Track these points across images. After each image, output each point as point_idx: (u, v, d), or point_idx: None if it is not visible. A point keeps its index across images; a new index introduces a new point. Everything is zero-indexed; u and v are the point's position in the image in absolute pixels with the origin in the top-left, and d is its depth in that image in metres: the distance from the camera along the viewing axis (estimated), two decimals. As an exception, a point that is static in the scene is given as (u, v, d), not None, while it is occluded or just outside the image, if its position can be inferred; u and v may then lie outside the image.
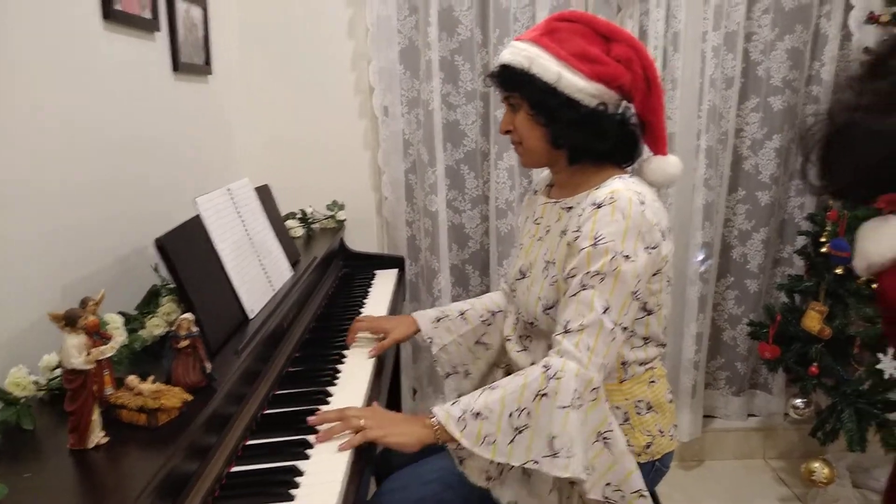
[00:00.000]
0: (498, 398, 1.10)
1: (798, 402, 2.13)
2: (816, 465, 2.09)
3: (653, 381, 1.30)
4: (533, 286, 1.30)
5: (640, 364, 1.28)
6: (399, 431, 1.13)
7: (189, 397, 0.94)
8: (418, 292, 2.42)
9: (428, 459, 1.34)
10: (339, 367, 1.38)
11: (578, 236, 1.17)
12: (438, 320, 1.51)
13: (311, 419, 1.13)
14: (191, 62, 1.86)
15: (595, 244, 1.14)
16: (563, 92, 1.18)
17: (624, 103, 1.25)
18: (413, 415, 1.20)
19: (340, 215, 2.21)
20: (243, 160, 2.18)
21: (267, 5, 2.18)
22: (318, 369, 1.37)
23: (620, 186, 1.18)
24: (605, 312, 1.12)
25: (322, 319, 1.67)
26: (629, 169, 1.31)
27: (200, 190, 1.34)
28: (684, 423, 2.45)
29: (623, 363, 1.26)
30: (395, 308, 1.90)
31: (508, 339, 1.40)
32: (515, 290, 1.38)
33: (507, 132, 1.29)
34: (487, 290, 2.40)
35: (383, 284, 1.99)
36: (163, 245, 1.09)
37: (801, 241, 2.27)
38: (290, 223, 2.07)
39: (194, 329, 0.98)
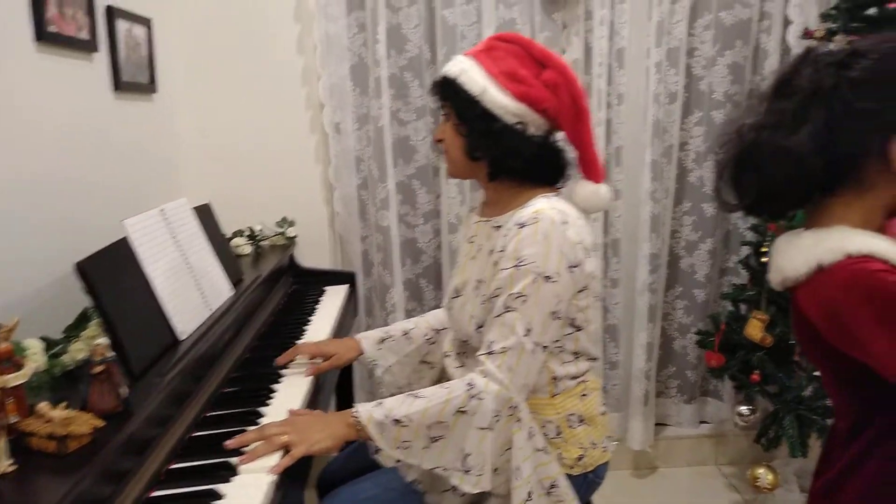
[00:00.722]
0: (420, 409, 1.15)
1: (743, 409, 2.17)
2: (761, 470, 2.14)
3: (585, 395, 1.32)
4: (466, 305, 1.32)
5: (572, 378, 1.30)
6: (322, 437, 1.16)
7: (100, 423, 0.94)
8: (372, 307, 2.43)
9: (367, 476, 1.35)
10: (276, 386, 1.39)
11: (502, 256, 1.20)
12: (382, 341, 1.52)
13: (228, 443, 1.12)
14: (133, 81, 1.86)
15: (517, 265, 1.17)
16: (486, 105, 1.22)
17: (547, 127, 1.28)
18: (334, 413, 1.23)
19: (290, 232, 2.21)
20: (191, 178, 2.18)
21: (215, 23, 2.19)
22: (254, 389, 1.37)
23: (544, 206, 1.20)
24: (526, 334, 1.16)
25: (265, 338, 1.67)
26: (560, 189, 1.34)
27: (143, 210, 1.35)
28: (637, 432, 2.49)
29: (554, 378, 1.28)
30: (343, 324, 1.91)
31: (447, 356, 1.42)
32: (452, 308, 1.40)
33: (439, 141, 1.33)
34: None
35: (332, 301, 1.99)
36: (83, 269, 1.09)
37: (745, 251, 2.32)
38: (237, 241, 2.07)
39: (109, 354, 0.99)
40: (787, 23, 2.27)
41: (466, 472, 1.14)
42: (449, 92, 1.26)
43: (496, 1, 2.21)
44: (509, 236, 1.20)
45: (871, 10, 1.98)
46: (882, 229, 0.92)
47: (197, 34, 2.19)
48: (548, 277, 1.16)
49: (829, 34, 2.05)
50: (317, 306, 1.93)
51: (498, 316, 1.18)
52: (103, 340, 0.99)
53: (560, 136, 1.30)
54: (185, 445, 1.15)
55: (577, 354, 1.30)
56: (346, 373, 2.08)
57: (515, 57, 1.25)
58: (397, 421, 1.15)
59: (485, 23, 2.20)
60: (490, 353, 1.17)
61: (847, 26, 2.01)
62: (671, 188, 2.39)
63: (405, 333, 1.52)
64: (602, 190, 1.32)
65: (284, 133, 2.26)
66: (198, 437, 1.18)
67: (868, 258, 0.85)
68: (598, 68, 2.26)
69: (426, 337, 1.52)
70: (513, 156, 1.24)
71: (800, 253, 0.92)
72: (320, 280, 2.16)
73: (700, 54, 2.33)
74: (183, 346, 1.28)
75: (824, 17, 2.06)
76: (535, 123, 1.25)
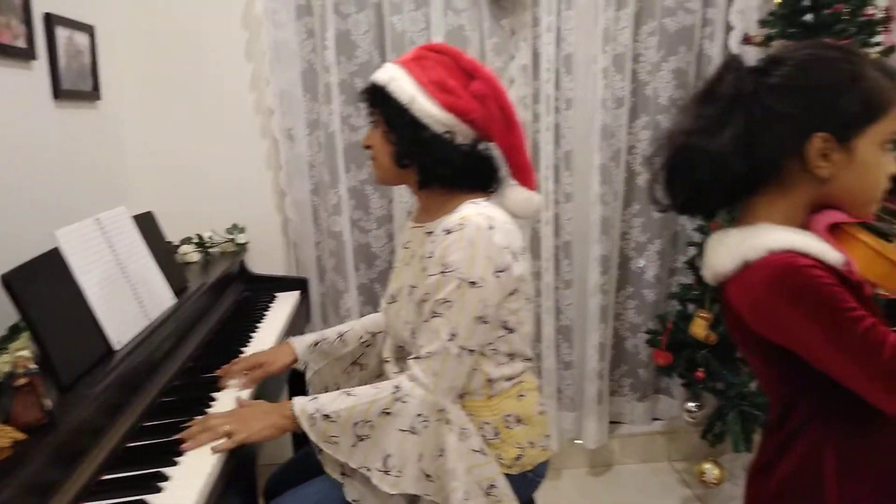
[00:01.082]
0: (349, 406, 1.20)
1: (691, 405, 2.22)
2: (707, 465, 2.19)
3: (522, 396, 1.35)
4: (401, 311, 1.34)
5: (507, 380, 1.32)
6: (261, 427, 1.22)
7: (21, 436, 0.93)
8: (327, 313, 2.43)
9: (311, 482, 1.36)
10: (216, 395, 1.39)
11: (430, 262, 1.23)
12: (316, 344, 1.53)
13: (183, 445, 1.16)
14: (75, 89, 1.84)
15: (443, 271, 1.20)
16: (414, 114, 1.25)
17: (475, 136, 1.30)
18: (275, 404, 1.28)
19: (241, 238, 2.20)
20: (137, 186, 2.16)
21: (161, 30, 2.18)
22: (194, 398, 1.37)
23: (471, 212, 1.23)
24: (451, 339, 1.19)
25: (210, 346, 1.66)
26: (492, 193, 1.37)
27: (85, 218, 1.34)
28: (591, 431, 2.52)
29: (489, 380, 1.30)
30: (293, 330, 1.92)
31: (387, 361, 1.44)
32: (388, 313, 1.41)
33: (368, 147, 1.35)
34: (395, 308, 2.42)
35: (282, 307, 1.99)
36: (8, 281, 1.08)
37: (692, 251, 2.37)
38: (185, 249, 2.06)
39: (32, 366, 0.98)
40: (729, 29, 2.32)
41: (386, 472, 1.18)
42: (378, 99, 1.28)
43: (444, 7, 2.23)
44: (437, 242, 1.23)
45: (808, 17, 2.04)
46: (805, 225, 0.96)
47: (143, 41, 2.18)
48: (473, 283, 1.18)
49: (767, 39, 2.11)
50: (266, 313, 1.93)
51: (425, 321, 1.22)
52: (26, 353, 0.99)
53: (491, 145, 1.32)
54: (119, 456, 1.15)
55: (511, 356, 1.32)
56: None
57: (444, 67, 1.27)
58: (327, 416, 1.20)
59: (433, 29, 2.23)
60: (417, 358, 1.22)
61: (784, 32, 2.08)
62: (620, 191, 2.43)
63: (340, 336, 1.54)
64: (534, 196, 1.35)
65: (234, 139, 2.26)
66: (133, 448, 1.18)
67: (789, 253, 0.89)
68: (546, 74, 2.29)
69: (361, 340, 1.54)
70: (441, 164, 1.27)
71: (727, 250, 0.97)
72: (271, 286, 2.16)
73: (645, 60, 2.38)
74: (117, 357, 1.27)
75: (763, 23, 2.12)
76: (463, 133, 1.28)
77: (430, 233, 1.30)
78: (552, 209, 2.40)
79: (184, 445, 1.15)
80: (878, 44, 1.99)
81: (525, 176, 1.34)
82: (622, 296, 2.58)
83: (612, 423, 2.62)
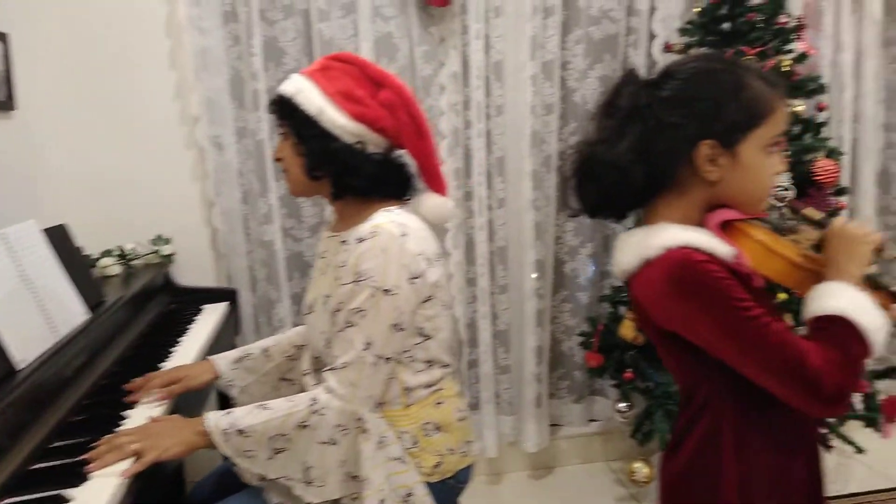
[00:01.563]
0: (263, 420, 1.19)
1: (622, 406, 2.26)
2: (637, 465, 2.23)
3: (440, 403, 1.35)
4: (317, 322, 1.33)
5: (426, 387, 1.33)
6: (172, 444, 1.18)
7: None
8: (259, 324, 2.39)
9: (234, 496, 1.34)
10: (129, 412, 1.35)
11: (343, 271, 1.22)
12: (239, 361, 1.50)
13: (88, 466, 1.11)
14: (-15, 98, 1.78)
15: (356, 280, 1.20)
16: (324, 125, 1.24)
17: (387, 144, 1.31)
18: (188, 419, 1.24)
19: (166, 250, 2.15)
20: (55, 198, 2.09)
21: (80, 38, 2.12)
22: (106, 417, 1.32)
23: (384, 220, 1.23)
24: (366, 348, 1.19)
25: (127, 362, 1.61)
26: (407, 201, 1.37)
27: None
28: (531, 434, 2.54)
29: (406, 389, 1.30)
30: (220, 342, 1.88)
31: (306, 373, 1.42)
32: (307, 324, 1.40)
33: (278, 160, 1.33)
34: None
35: (207, 320, 1.95)
36: None
37: (622, 254, 2.41)
38: (104, 262, 2.00)
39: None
40: (652, 37, 2.39)
41: (309, 483, 1.19)
42: (286, 111, 1.27)
43: (373, 14, 2.23)
44: (349, 251, 1.22)
45: (725, 25, 2.11)
46: (702, 223, 1.02)
47: (61, 49, 2.11)
48: (387, 291, 1.18)
49: (687, 48, 2.17)
50: (190, 326, 1.89)
51: (340, 331, 1.22)
52: None
53: (403, 153, 1.33)
54: (21, 478, 1.11)
55: (429, 363, 1.32)
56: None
57: (351, 77, 1.27)
58: (241, 431, 1.18)
59: (362, 36, 2.22)
60: (332, 369, 1.21)
61: (703, 40, 2.14)
62: (552, 196, 2.47)
63: (264, 351, 1.51)
64: (447, 202, 1.36)
65: (158, 149, 2.20)
66: (36, 470, 1.14)
67: (684, 249, 0.95)
68: (476, 81, 2.31)
69: (286, 354, 1.52)
70: (353, 174, 1.26)
71: (631, 249, 1.02)
72: (199, 298, 2.11)
73: (573, 67, 2.42)
74: (19, 376, 1.23)
75: (682, 31, 2.18)
76: (374, 142, 1.28)
77: (345, 242, 1.30)
78: (486, 215, 2.41)
79: (89, 466, 1.11)
80: (790, 51, 2.06)
81: (437, 183, 1.35)
82: (557, 299, 2.61)
83: (551, 425, 2.65)
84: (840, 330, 0.90)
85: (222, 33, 2.21)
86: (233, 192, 2.29)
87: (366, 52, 2.21)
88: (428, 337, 1.30)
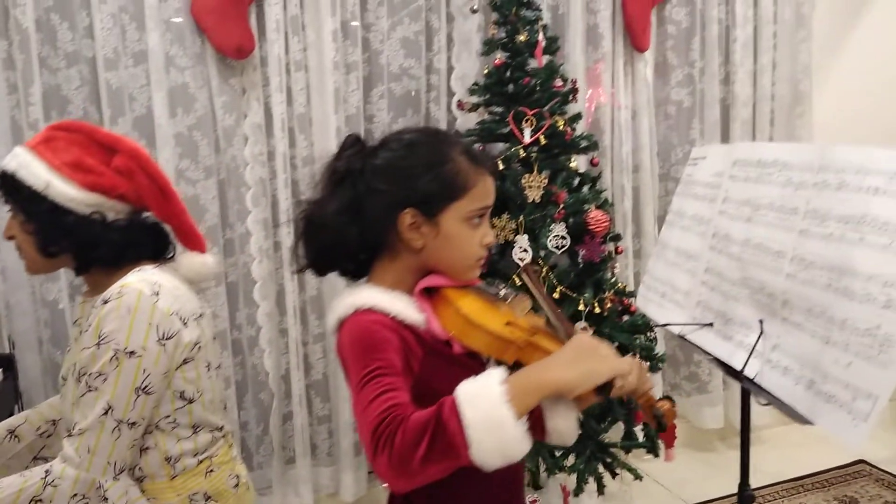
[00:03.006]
0: None
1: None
2: None
3: (211, 471, 1.31)
4: (68, 393, 1.26)
5: (193, 455, 1.28)
6: None
7: None
8: (47, 387, 2.21)
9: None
10: None
11: (86, 335, 1.17)
12: None
13: None
14: None
15: (98, 343, 1.15)
16: (53, 200, 1.18)
17: (129, 209, 1.28)
18: None
19: (-77, 315, 1.94)
20: None
21: None
22: None
23: (132, 280, 1.19)
24: (105, 413, 1.14)
25: None
26: (167, 259, 1.34)
27: None
28: (348, 484, 2.53)
29: (168, 458, 1.25)
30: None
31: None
32: (61, 395, 1.32)
33: (10, 238, 1.26)
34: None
35: (-30, 391, 1.77)
36: None
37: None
38: None
39: None
40: (451, 94, 2.53)
41: None
42: (9, 188, 1.21)
43: (166, 64, 2.18)
44: (94, 314, 1.18)
45: (509, 87, 2.28)
46: (413, 287, 1.07)
47: None
48: (131, 353, 1.15)
49: (475, 107, 2.32)
50: (-54, 400, 1.71)
51: (81, 396, 1.16)
52: None
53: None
54: None
55: (195, 427, 1.29)
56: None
57: (79, 146, 1.23)
58: None
59: (154, 86, 2.16)
60: (70, 436, 1.15)
61: (491, 100, 2.30)
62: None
63: (11, 433, 1.39)
64: (206, 259, 1.34)
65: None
66: None
67: (371, 311, 0.99)
68: (279, 132, 2.32)
69: (39, 431, 1.41)
70: (94, 246, 1.22)
71: (337, 305, 1.06)
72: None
73: (378, 120, 2.51)
74: None
75: (471, 91, 2.33)
76: (114, 209, 1.24)
77: (95, 306, 1.25)
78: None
79: None
80: (563, 112, 2.27)
81: (193, 240, 1.33)
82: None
83: (369, 472, 2.65)
84: (445, 411, 0.83)
85: (-3, 81, 2.06)
86: (12, 249, 2.11)
87: (159, 102, 2.15)
88: (190, 400, 1.26)
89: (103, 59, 2.11)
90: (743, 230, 1.19)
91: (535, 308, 1.12)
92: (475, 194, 1.04)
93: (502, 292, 1.10)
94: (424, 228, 1.03)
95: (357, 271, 1.13)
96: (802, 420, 1.00)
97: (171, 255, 1.34)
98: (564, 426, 1.11)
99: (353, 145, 1.09)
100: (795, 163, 1.08)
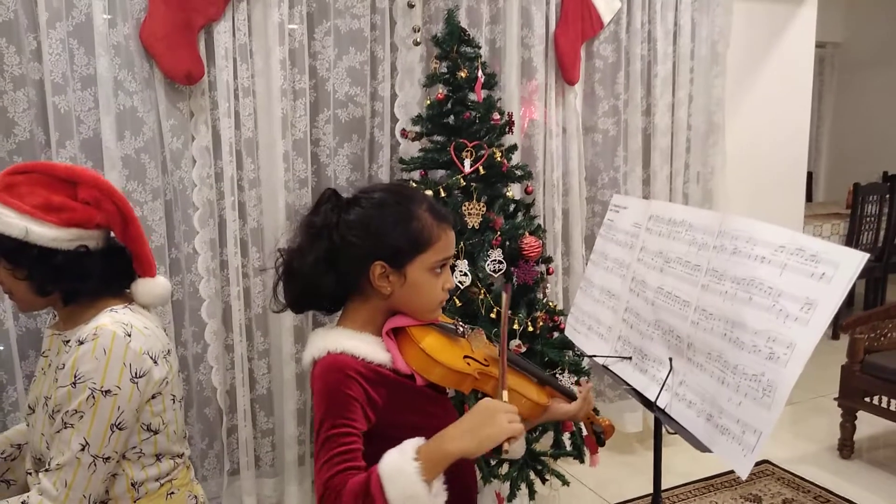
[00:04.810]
0: None
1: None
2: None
3: (172, 493, 1.40)
4: (37, 423, 1.32)
5: (155, 480, 1.37)
6: None
7: None
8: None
9: None
10: None
11: (62, 373, 1.24)
12: None
13: None
14: None
15: (75, 382, 1.22)
16: (36, 244, 1.24)
17: (104, 235, 1.35)
18: None
19: None
20: None
21: None
22: None
23: (107, 321, 1.27)
24: (82, 449, 1.21)
25: None
26: (128, 293, 1.41)
27: None
28: (292, 496, 2.62)
29: (134, 483, 1.34)
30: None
31: (29, 473, 1.39)
32: (28, 424, 1.38)
33: (8, 291, 1.31)
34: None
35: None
36: None
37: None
38: None
39: None
40: (395, 120, 2.65)
41: None
42: None
43: (115, 88, 2.21)
44: (70, 353, 1.24)
45: (450, 119, 2.42)
46: (381, 326, 1.20)
47: None
48: (107, 392, 1.22)
49: (418, 136, 2.45)
50: None
51: (57, 432, 1.22)
52: None
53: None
54: None
55: (158, 456, 1.37)
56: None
57: (43, 186, 1.26)
58: None
59: (103, 110, 2.19)
60: (47, 471, 1.21)
61: (431, 130, 2.44)
62: (307, 264, 2.60)
63: None
64: (159, 281, 1.40)
65: None
66: None
67: (342, 354, 1.11)
68: (227, 156, 2.38)
69: (3, 454, 1.47)
70: (84, 278, 1.28)
71: (311, 345, 1.17)
72: None
73: (324, 144, 2.60)
74: None
75: (414, 121, 2.46)
76: (93, 238, 1.31)
77: (68, 342, 1.31)
78: (241, 283, 2.48)
79: None
80: (501, 144, 2.43)
81: (147, 266, 1.39)
82: (315, 361, 2.73)
83: (313, 482, 2.74)
84: (373, 485, 0.96)
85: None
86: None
87: (107, 126, 2.18)
88: (156, 432, 1.35)
89: (51, 83, 2.12)
90: (657, 278, 1.37)
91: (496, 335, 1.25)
92: (439, 247, 1.18)
93: (460, 329, 1.24)
94: (393, 278, 1.16)
95: (332, 308, 1.25)
96: (703, 448, 1.19)
97: (127, 285, 1.40)
98: (517, 446, 1.25)
99: (328, 200, 1.20)
100: (699, 226, 1.27)
